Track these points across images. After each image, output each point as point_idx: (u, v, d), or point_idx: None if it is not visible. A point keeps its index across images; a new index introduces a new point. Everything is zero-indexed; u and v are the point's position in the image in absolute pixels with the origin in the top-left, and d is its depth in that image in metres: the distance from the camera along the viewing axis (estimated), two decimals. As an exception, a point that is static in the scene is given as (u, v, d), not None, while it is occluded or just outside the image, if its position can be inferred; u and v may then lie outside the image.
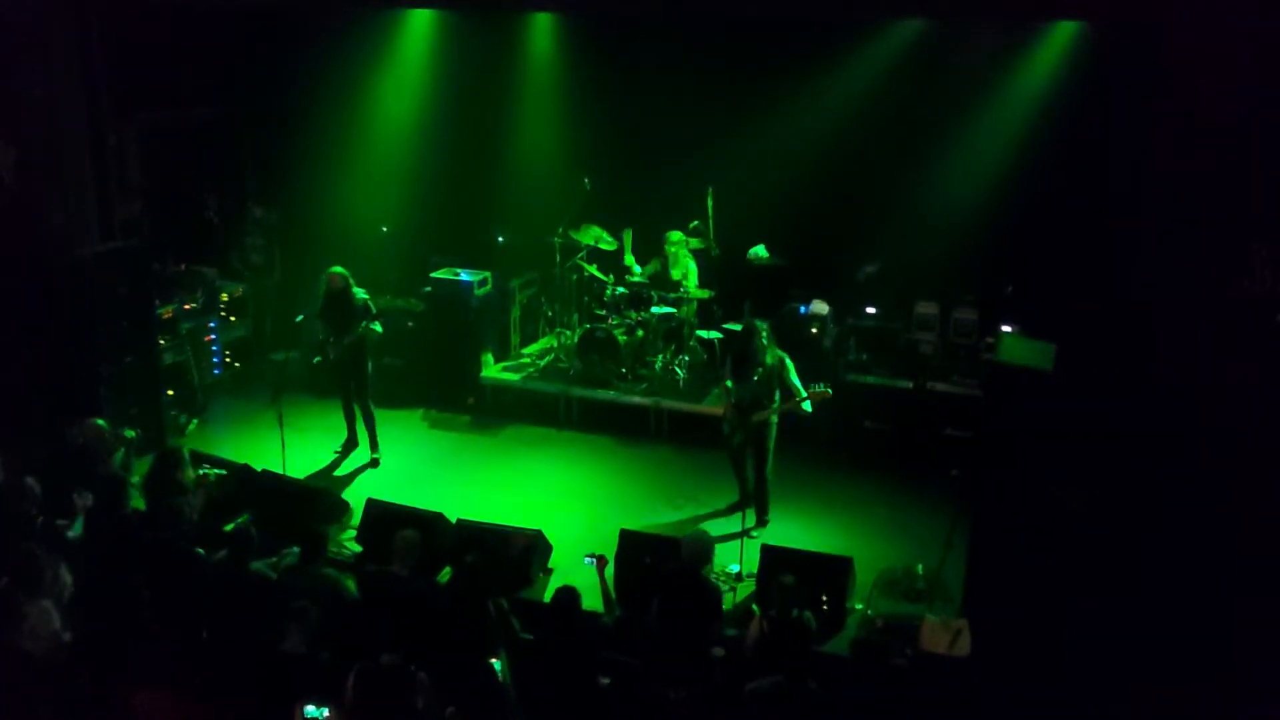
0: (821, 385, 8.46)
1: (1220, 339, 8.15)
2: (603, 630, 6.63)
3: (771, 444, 8.69)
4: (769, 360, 8.53)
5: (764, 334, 8.59)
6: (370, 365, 10.04)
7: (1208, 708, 6.55)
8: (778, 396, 8.55)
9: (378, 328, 9.82)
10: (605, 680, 6.02)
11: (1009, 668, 6.81)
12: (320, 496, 8.86)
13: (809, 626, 6.51)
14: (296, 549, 7.12)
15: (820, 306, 10.86)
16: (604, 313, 11.25)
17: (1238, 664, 6.80)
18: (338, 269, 9.81)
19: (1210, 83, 8.26)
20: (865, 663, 6.22)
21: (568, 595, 6.34)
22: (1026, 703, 6.52)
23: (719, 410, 9.01)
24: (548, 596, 7.37)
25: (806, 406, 8.51)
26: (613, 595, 7.05)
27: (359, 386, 9.95)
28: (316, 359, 10.13)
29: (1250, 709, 6.53)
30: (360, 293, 9.80)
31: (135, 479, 8.29)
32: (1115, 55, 9.74)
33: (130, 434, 9.32)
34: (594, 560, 7.01)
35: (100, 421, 8.45)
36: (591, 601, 6.78)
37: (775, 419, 8.61)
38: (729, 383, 8.76)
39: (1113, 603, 7.36)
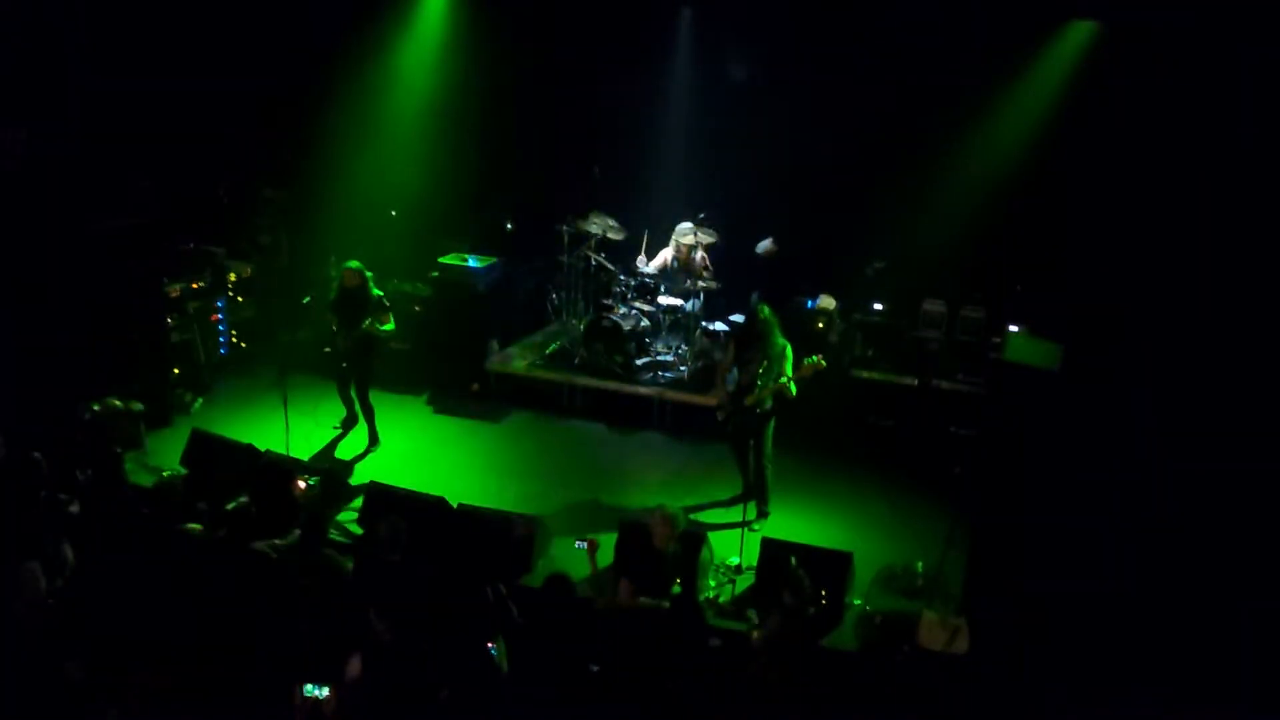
0: (815, 357, 8.33)
1: (1228, 339, 8.17)
2: (595, 616, 6.65)
3: (769, 433, 8.65)
4: (773, 347, 8.43)
5: (767, 315, 8.52)
6: (374, 363, 9.90)
7: (1207, 707, 6.55)
8: (765, 375, 8.40)
9: (389, 326, 9.74)
10: (595, 668, 6.04)
11: (1007, 666, 6.81)
12: (323, 478, 8.88)
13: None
14: (297, 530, 7.13)
15: (827, 301, 10.86)
16: (611, 302, 11.25)
17: (1240, 664, 6.80)
18: (355, 264, 9.65)
19: (1222, 86, 8.25)
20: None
21: (559, 581, 6.37)
22: (1024, 701, 6.53)
23: (715, 400, 8.96)
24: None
25: (793, 388, 8.40)
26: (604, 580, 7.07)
27: (360, 381, 9.92)
28: (326, 349, 10.13)
29: (1251, 710, 6.54)
30: (377, 291, 9.71)
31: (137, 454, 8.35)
32: (1129, 55, 9.72)
33: (137, 407, 9.39)
34: (585, 544, 7.01)
35: (115, 402, 8.50)
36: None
37: (771, 403, 8.52)
38: (728, 369, 8.74)
39: (1114, 602, 7.37)
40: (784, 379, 8.34)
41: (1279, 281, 8.78)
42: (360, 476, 9.27)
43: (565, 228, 11.36)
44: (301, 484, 8.34)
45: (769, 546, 7.83)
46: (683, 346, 11.05)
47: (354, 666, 5.54)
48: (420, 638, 5.90)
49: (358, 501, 8.67)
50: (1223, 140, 9.06)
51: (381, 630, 5.79)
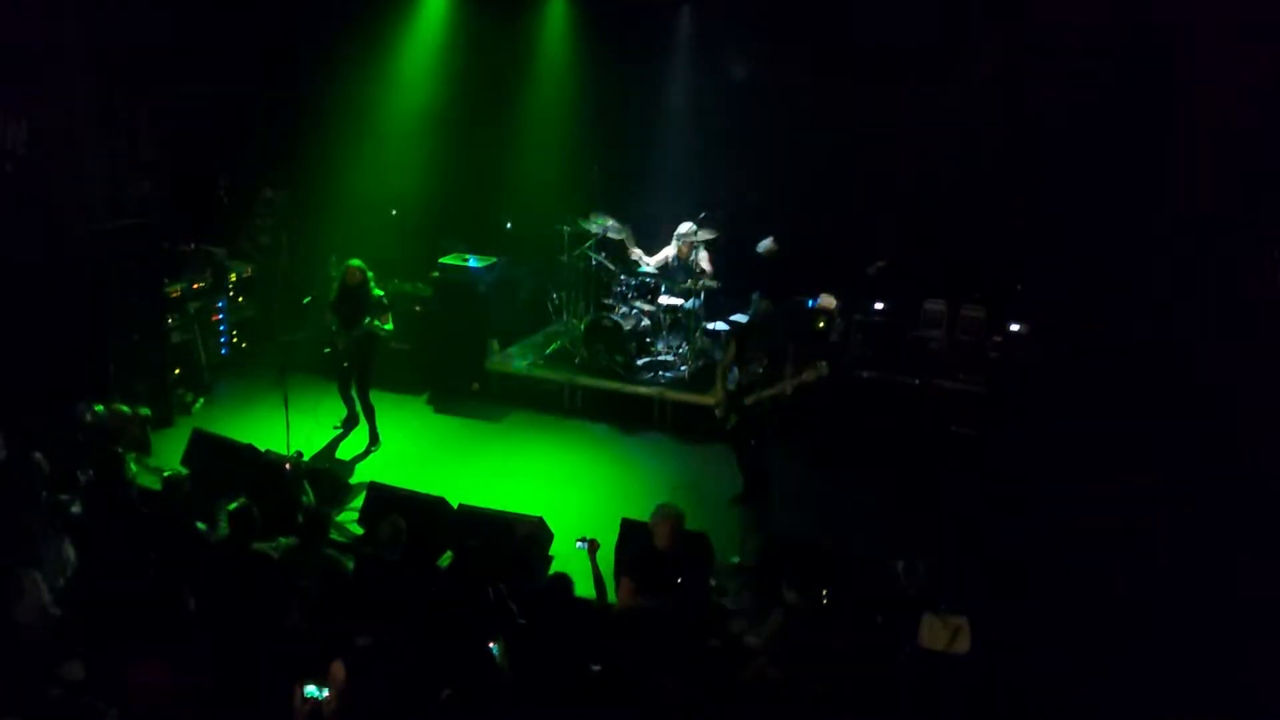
0: (820, 363, 8.35)
1: (1230, 338, 8.18)
2: (595, 616, 6.64)
3: (769, 432, 8.66)
4: (773, 345, 8.44)
5: (769, 309, 8.52)
6: (375, 362, 9.94)
7: (1208, 707, 6.55)
8: (765, 379, 8.41)
9: (389, 326, 9.76)
10: (596, 667, 6.03)
11: (1007, 666, 6.81)
12: (321, 478, 8.89)
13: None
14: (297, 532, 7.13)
15: (828, 300, 10.85)
16: (611, 301, 11.25)
17: (1240, 663, 6.80)
18: (357, 262, 9.71)
19: (1223, 86, 8.25)
20: None
21: (560, 581, 6.36)
22: (1024, 701, 6.53)
23: (714, 399, 8.96)
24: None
25: (789, 389, 8.40)
26: (605, 580, 7.06)
27: (361, 380, 9.94)
28: (326, 349, 10.14)
29: (1251, 709, 6.54)
30: (378, 291, 9.75)
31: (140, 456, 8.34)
32: (1129, 57, 9.73)
33: (145, 411, 9.40)
34: (586, 544, 7.01)
35: (123, 407, 8.52)
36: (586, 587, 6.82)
37: (771, 402, 8.53)
38: (728, 368, 8.73)
39: (1114, 601, 7.37)
40: (784, 380, 8.35)
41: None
42: (360, 476, 9.28)
43: (565, 228, 11.35)
44: (288, 465, 8.36)
45: (770, 545, 7.82)
46: (683, 346, 11.04)
47: (337, 670, 5.52)
48: (412, 638, 5.88)
49: (358, 501, 8.68)
50: (1222, 137, 9.06)
51: (360, 635, 5.76)
